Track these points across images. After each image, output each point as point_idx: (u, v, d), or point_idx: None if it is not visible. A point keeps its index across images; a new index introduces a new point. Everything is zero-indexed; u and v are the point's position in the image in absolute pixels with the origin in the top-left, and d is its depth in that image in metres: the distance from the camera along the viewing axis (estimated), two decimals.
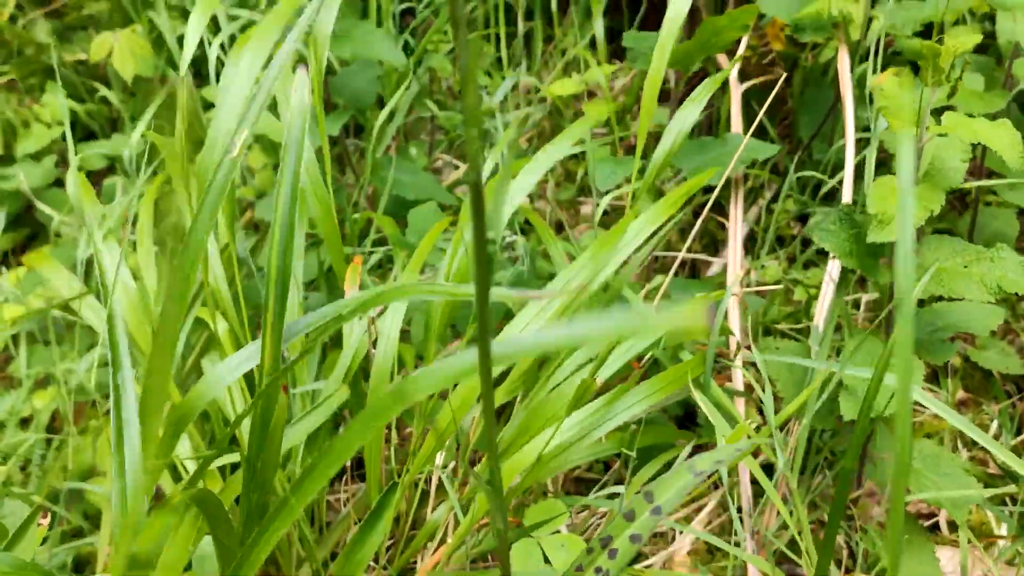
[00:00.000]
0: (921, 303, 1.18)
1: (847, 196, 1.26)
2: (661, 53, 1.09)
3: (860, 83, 1.63)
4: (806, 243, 1.73)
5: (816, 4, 1.43)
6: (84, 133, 2.04)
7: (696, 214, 1.79)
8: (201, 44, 1.89)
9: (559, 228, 1.87)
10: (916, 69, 1.78)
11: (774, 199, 1.78)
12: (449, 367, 0.61)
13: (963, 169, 1.07)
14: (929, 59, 0.95)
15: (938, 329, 1.13)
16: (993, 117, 1.35)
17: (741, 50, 1.61)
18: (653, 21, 2.06)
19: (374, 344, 1.05)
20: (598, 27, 1.85)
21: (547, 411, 1.04)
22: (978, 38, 0.98)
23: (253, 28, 1.01)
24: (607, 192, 1.36)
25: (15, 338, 1.66)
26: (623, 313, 0.52)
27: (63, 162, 1.93)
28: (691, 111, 1.17)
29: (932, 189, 1.00)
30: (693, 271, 1.75)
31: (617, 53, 2.19)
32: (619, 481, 1.31)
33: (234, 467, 1.05)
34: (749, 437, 1.05)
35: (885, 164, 1.46)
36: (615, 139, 1.72)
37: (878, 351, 1.06)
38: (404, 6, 1.86)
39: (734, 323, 1.29)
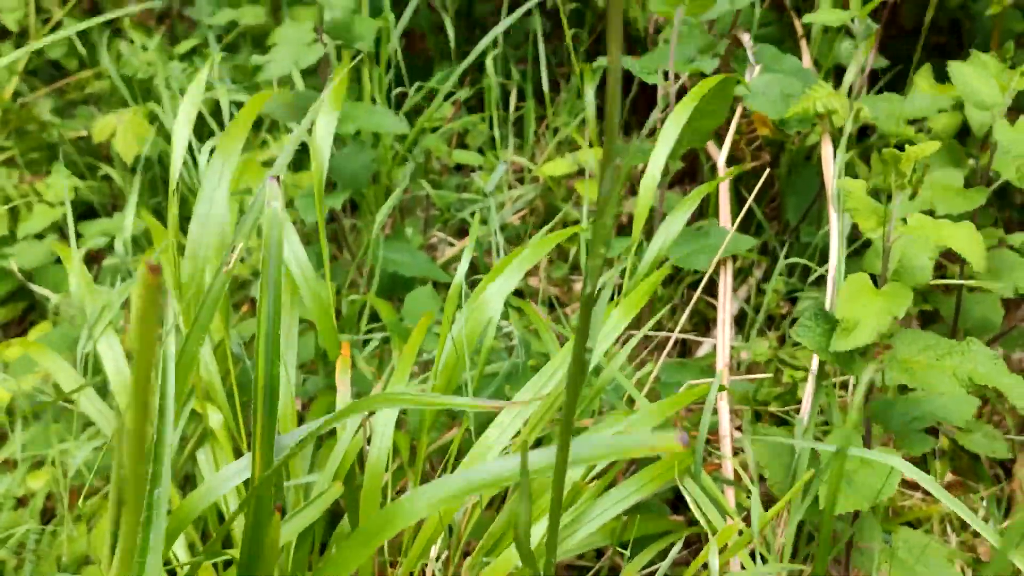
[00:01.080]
0: (901, 390, 1.21)
1: (830, 292, 1.28)
2: (651, 179, 1.14)
3: (846, 168, 1.67)
4: (795, 321, 1.75)
5: (802, 103, 1.47)
6: (84, 208, 2.07)
7: (689, 291, 1.82)
8: (201, 120, 1.94)
9: (551, 305, 1.90)
10: (900, 150, 1.82)
11: (764, 278, 1.81)
12: (438, 491, 0.63)
13: (931, 267, 1.10)
14: (891, 164, 0.98)
15: (915, 419, 1.15)
16: (973, 214, 1.40)
17: (729, 139, 1.66)
18: (644, 102, 2.12)
19: (368, 439, 1.07)
20: (589, 108, 1.90)
21: (537, 506, 1.05)
22: (936, 145, 1.02)
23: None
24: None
25: (10, 415, 1.67)
26: (605, 440, 0.54)
27: (64, 238, 1.96)
28: (681, 216, 1.21)
29: (900, 289, 1.03)
30: (684, 349, 1.77)
31: None
32: (612, 569, 1.32)
33: (227, 563, 1.06)
34: (740, 533, 1.06)
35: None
36: None
37: (858, 444, 1.07)
38: (398, 91, 1.91)
39: (723, 410, 1.30)
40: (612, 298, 1.35)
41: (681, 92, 1.45)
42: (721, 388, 1.20)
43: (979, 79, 1.27)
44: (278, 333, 0.76)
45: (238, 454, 1.20)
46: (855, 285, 1.05)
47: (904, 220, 1.04)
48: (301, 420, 1.38)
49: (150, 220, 1.41)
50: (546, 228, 1.38)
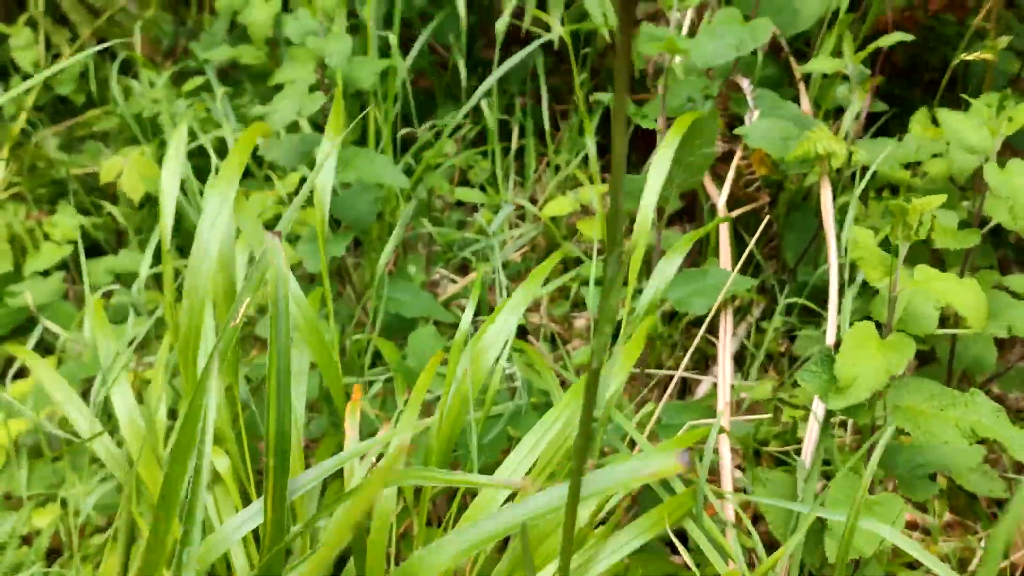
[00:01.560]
0: (902, 440, 1.22)
1: (831, 335, 1.30)
2: (644, 218, 1.16)
3: (844, 209, 1.70)
4: (794, 359, 1.77)
5: (803, 145, 1.50)
6: (88, 243, 2.09)
7: (690, 327, 1.84)
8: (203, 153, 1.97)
9: (553, 341, 1.92)
10: (895, 191, 1.85)
11: (762, 316, 1.83)
12: (449, 548, 0.65)
13: (936, 316, 1.12)
14: (899, 217, 1.01)
15: (919, 466, 1.17)
16: (967, 254, 1.42)
17: (729, 179, 1.69)
18: (644, 140, 2.15)
19: None
20: (590, 146, 1.93)
21: (542, 551, 1.07)
22: (942, 198, 1.04)
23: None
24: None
25: (16, 450, 1.68)
26: (606, 474, 0.56)
27: (70, 275, 1.98)
28: (677, 258, 1.23)
29: (904, 340, 1.05)
30: (684, 385, 1.79)
31: (610, 167, 2.27)
32: None
33: None
34: None
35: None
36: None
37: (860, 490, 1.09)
38: (405, 131, 1.94)
39: (724, 452, 1.32)
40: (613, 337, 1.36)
41: None
42: (721, 431, 1.21)
43: (968, 127, 1.29)
44: (289, 402, 0.78)
45: (244, 496, 1.22)
46: (859, 335, 1.07)
47: (910, 272, 1.06)
48: (307, 462, 1.40)
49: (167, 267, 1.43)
50: (546, 265, 1.39)
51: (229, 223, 1.04)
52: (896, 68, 2.19)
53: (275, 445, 0.80)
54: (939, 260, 1.64)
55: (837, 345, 1.50)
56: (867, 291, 1.56)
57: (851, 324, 1.44)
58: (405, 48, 2.08)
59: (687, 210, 2.06)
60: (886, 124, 2.05)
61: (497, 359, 1.17)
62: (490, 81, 1.88)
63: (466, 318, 1.18)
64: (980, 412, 1.06)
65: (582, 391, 1.14)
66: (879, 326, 1.11)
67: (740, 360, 1.81)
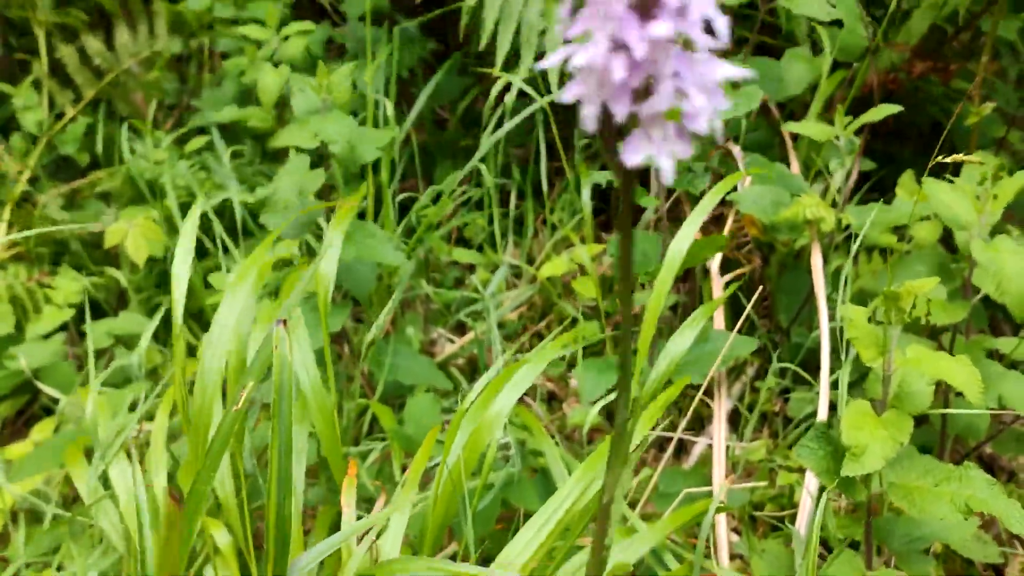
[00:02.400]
0: (897, 513, 1.23)
1: (823, 410, 1.32)
2: (658, 298, 1.18)
3: (837, 271, 1.72)
4: (789, 419, 1.79)
5: (792, 209, 1.53)
6: (90, 301, 2.11)
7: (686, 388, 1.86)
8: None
9: (551, 398, 1.93)
10: (885, 255, 1.88)
11: (757, 375, 1.85)
12: None
13: (930, 392, 1.14)
14: (891, 302, 1.03)
15: (915, 539, 1.18)
16: (955, 328, 1.44)
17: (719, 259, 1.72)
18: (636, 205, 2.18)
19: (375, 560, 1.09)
20: (586, 207, 1.96)
21: None
22: (934, 282, 1.07)
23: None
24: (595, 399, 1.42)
25: (14, 516, 1.68)
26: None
27: (72, 334, 1.99)
28: (686, 336, 1.25)
29: (901, 417, 1.07)
30: (680, 444, 1.80)
31: (606, 225, 2.30)
32: None
33: None
34: None
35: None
36: (604, 324, 1.81)
37: (857, 568, 1.10)
38: (404, 196, 1.98)
39: (720, 523, 1.33)
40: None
41: (674, 205, 1.51)
42: (720, 509, 1.23)
43: (955, 199, 1.33)
44: (290, 487, 0.80)
45: (243, 568, 1.22)
46: (856, 413, 1.09)
47: (904, 351, 1.08)
48: (306, 527, 1.40)
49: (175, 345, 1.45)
50: (551, 349, 1.41)
51: (243, 321, 1.06)
52: (884, 125, 2.23)
53: (275, 533, 0.82)
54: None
55: (831, 407, 1.52)
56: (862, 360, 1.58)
57: (848, 389, 1.46)
58: (403, 98, 2.12)
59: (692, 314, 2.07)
60: (878, 181, 2.08)
61: (495, 435, 1.19)
62: (487, 145, 1.92)
63: (465, 402, 1.20)
64: (974, 486, 1.08)
65: (583, 476, 1.16)
66: (874, 403, 1.13)
67: (735, 418, 1.82)
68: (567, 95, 0.60)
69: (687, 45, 0.59)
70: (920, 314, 1.10)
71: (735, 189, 1.70)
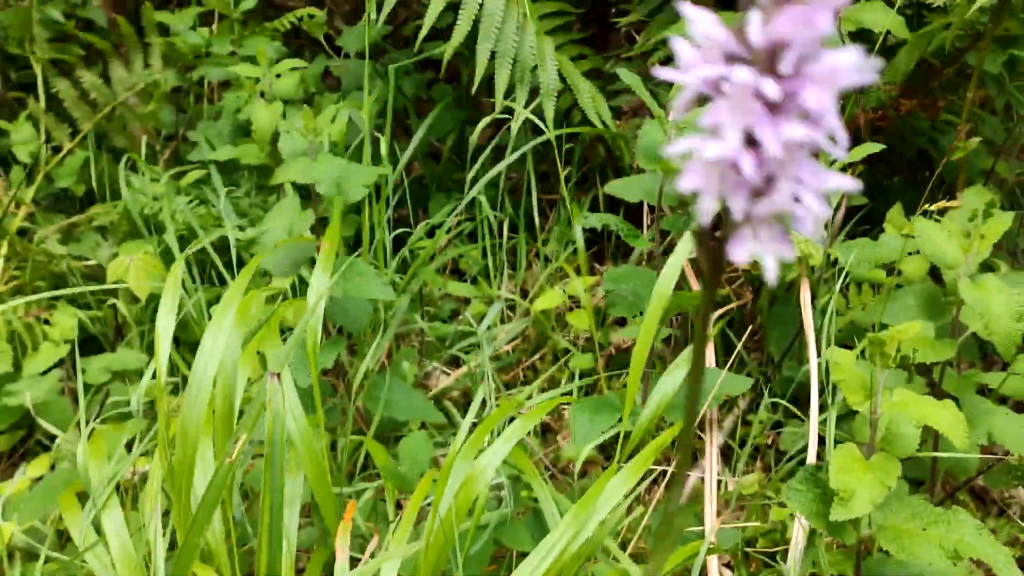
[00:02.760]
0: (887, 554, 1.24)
1: (812, 451, 1.33)
2: (647, 334, 1.20)
3: (828, 305, 1.74)
4: (782, 452, 1.80)
5: None
6: (84, 336, 2.12)
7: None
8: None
9: (545, 430, 1.94)
10: (876, 287, 1.89)
11: (749, 408, 1.86)
12: None
13: (918, 434, 1.15)
14: (876, 348, 1.04)
15: None
16: (943, 365, 1.46)
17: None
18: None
19: None
20: (579, 239, 1.98)
21: None
22: (918, 326, 1.08)
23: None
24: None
25: (10, 554, 1.68)
26: None
27: (68, 367, 2.00)
28: (674, 378, 1.26)
29: (888, 461, 1.08)
30: (671, 478, 1.81)
31: (599, 256, 2.32)
32: None
33: None
34: None
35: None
36: (598, 356, 1.82)
37: None
38: (399, 231, 1.99)
39: (713, 564, 1.34)
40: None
41: (669, 247, 1.53)
42: (711, 551, 1.24)
43: (942, 239, 1.34)
44: (280, 541, 0.81)
45: None
46: (844, 457, 1.10)
47: (891, 393, 1.09)
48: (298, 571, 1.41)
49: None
50: (546, 404, 1.42)
51: (227, 357, 1.07)
52: (874, 155, 2.25)
53: None
54: None
55: (822, 442, 1.53)
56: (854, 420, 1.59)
57: (838, 422, 1.47)
58: (398, 128, 2.13)
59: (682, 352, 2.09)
60: (870, 211, 2.10)
61: (487, 480, 1.20)
62: (483, 182, 1.94)
63: (457, 443, 1.21)
64: (963, 530, 1.09)
65: (575, 518, 1.17)
66: (862, 445, 1.14)
67: (729, 451, 1.83)
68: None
69: (812, 150, 0.60)
70: (906, 353, 1.11)
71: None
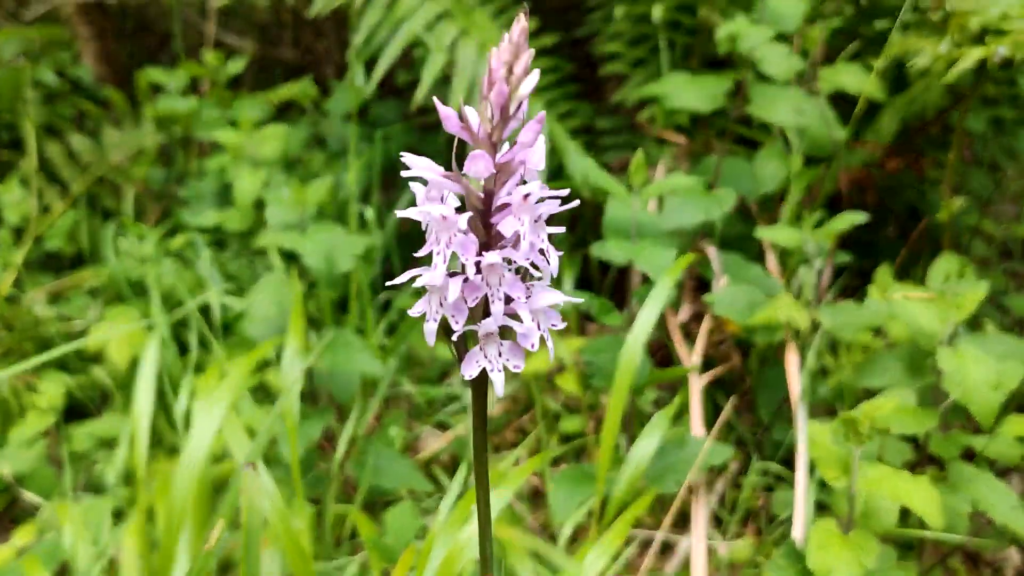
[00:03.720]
0: None
1: (797, 526, 1.33)
2: (616, 409, 1.19)
3: (815, 371, 1.74)
4: (772, 520, 1.78)
5: (766, 313, 1.55)
6: (70, 401, 2.11)
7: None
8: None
9: (535, 493, 1.93)
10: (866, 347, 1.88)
11: (741, 471, 1.85)
12: None
13: (895, 509, 1.15)
14: (850, 426, 1.04)
15: None
16: (926, 435, 1.45)
17: (701, 340, 1.73)
18: (621, 289, 2.21)
19: None
20: (579, 295, 1.98)
21: None
22: (893, 402, 1.08)
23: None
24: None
25: None
26: None
27: (55, 431, 1.99)
28: (654, 437, 1.26)
29: (866, 538, 1.08)
30: (665, 542, 1.80)
31: (588, 316, 2.32)
32: None
33: None
34: None
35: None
36: (586, 418, 1.81)
37: None
38: (388, 291, 1.99)
39: None
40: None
41: None
42: None
43: (921, 312, 1.35)
44: None
45: None
46: (822, 534, 1.09)
47: (867, 470, 1.09)
48: None
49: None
50: (523, 470, 1.42)
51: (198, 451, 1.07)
52: (865, 204, 2.26)
53: None
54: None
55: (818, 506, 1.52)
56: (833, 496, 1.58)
57: (823, 486, 1.46)
58: (386, 181, 2.13)
59: (661, 365, 2.09)
60: (859, 268, 2.11)
61: (468, 555, 1.19)
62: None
63: (444, 507, 1.20)
64: None
65: None
66: (842, 520, 1.14)
67: (722, 511, 1.81)
68: (413, 311, 0.68)
69: (523, 272, 0.68)
70: (885, 427, 1.11)
71: (706, 290, 1.72)
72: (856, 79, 1.70)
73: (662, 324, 1.88)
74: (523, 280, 0.68)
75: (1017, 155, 2.24)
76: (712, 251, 1.73)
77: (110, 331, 1.71)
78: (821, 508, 1.48)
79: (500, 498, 1.23)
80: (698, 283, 1.90)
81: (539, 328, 0.67)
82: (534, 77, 0.66)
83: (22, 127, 2.36)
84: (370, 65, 2.08)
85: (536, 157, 0.66)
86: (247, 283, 2.02)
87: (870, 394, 1.57)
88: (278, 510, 1.13)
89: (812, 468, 1.54)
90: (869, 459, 1.27)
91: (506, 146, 0.68)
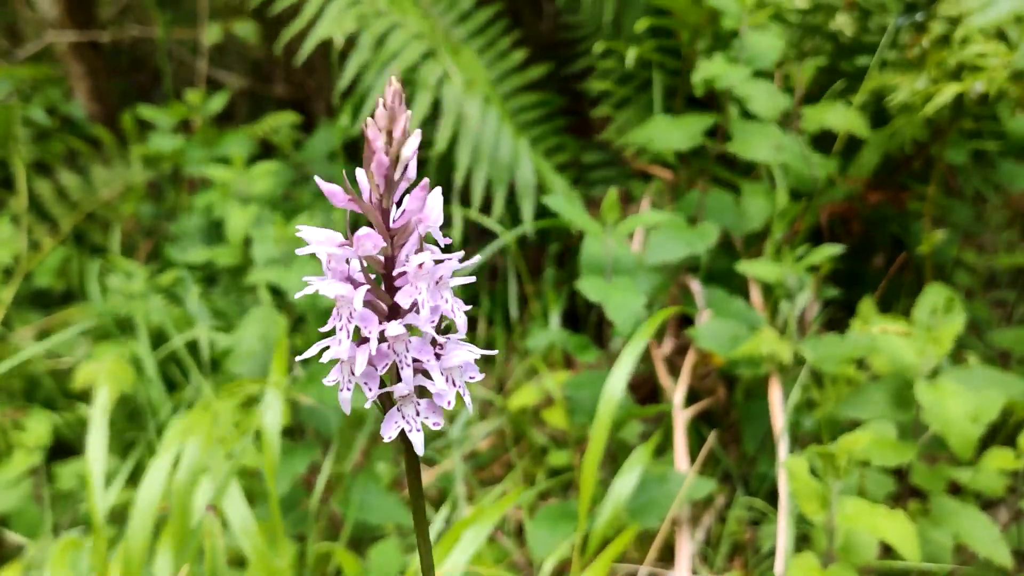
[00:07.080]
0: None
1: (779, 561, 1.33)
2: (597, 444, 1.20)
3: (802, 397, 1.74)
4: (759, 551, 1.78)
5: (749, 346, 1.56)
6: (60, 437, 2.10)
7: None
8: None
9: (520, 530, 1.92)
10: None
11: (727, 504, 1.85)
12: None
13: (875, 543, 1.15)
14: (827, 460, 1.05)
15: None
16: (907, 467, 1.46)
17: (686, 373, 1.74)
18: (608, 322, 2.22)
19: None
20: (555, 333, 1.99)
21: None
22: (868, 437, 1.09)
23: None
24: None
25: None
26: None
27: (40, 476, 1.98)
28: (635, 471, 1.26)
29: (845, 570, 1.08)
30: None
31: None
32: None
33: None
34: None
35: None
36: (573, 452, 1.81)
37: None
38: None
39: None
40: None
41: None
42: None
43: (901, 347, 1.36)
44: None
45: None
46: (801, 569, 1.09)
47: (845, 505, 1.09)
48: None
49: None
50: (498, 506, 1.42)
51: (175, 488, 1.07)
52: (850, 236, 2.27)
53: None
54: None
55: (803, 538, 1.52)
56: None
57: (803, 519, 1.46)
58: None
59: (648, 399, 2.10)
60: (845, 299, 2.12)
61: None
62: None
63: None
64: None
65: None
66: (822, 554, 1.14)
67: (706, 549, 1.81)
68: (328, 380, 0.70)
69: (446, 325, 0.70)
70: (865, 459, 1.11)
71: (690, 323, 1.73)
72: (841, 117, 1.73)
73: (647, 357, 1.88)
74: (441, 333, 0.70)
75: (1000, 187, 2.26)
76: (696, 285, 1.74)
77: (96, 366, 1.72)
78: (805, 541, 1.48)
79: (479, 533, 1.23)
80: (682, 317, 1.91)
81: (454, 385, 0.69)
82: (416, 138, 0.68)
83: (12, 165, 2.37)
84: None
85: (434, 216, 0.69)
86: (236, 319, 2.02)
87: (856, 427, 1.58)
88: (258, 550, 1.13)
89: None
90: (850, 492, 1.28)
91: (403, 204, 0.69)
